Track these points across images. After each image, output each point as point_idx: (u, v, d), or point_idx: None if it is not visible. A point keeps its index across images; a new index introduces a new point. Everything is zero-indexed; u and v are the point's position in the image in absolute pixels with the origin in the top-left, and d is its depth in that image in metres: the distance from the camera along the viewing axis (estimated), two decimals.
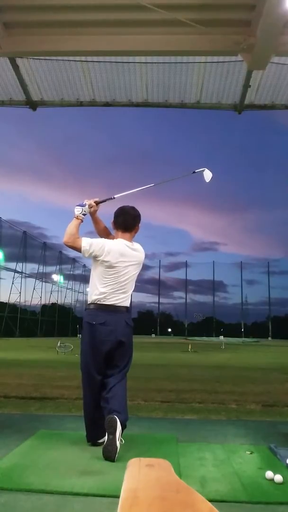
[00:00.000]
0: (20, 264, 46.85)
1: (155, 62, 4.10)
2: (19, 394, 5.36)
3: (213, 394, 5.81)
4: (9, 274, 45.65)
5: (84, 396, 3.15)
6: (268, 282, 67.48)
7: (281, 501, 2.12)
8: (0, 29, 3.36)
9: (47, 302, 55.35)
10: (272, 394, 5.92)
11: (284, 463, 2.65)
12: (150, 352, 17.87)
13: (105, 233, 3.43)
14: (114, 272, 3.11)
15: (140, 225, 3.34)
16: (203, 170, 3.49)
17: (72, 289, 61.90)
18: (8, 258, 44.37)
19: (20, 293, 46.26)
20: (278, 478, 2.36)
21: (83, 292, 61.68)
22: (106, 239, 3.26)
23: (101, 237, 3.37)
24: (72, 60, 4.11)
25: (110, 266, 3.11)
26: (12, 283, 45.96)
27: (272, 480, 2.37)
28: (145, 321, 69.72)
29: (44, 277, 53.52)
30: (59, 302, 58.14)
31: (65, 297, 60.96)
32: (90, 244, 3.11)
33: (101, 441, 2.97)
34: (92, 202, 3.28)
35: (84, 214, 3.22)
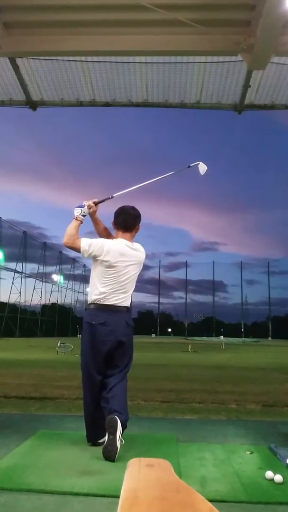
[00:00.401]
0: (20, 264, 46.88)
1: (155, 62, 4.10)
2: (19, 394, 5.36)
3: (213, 394, 5.81)
4: (9, 274, 45.70)
5: (84, 396, 3.15)
6: (268, 282, 67.56)
7: (281, 501, 2.12)
8: (0, 29, 3.36)
9: (47, 302, 55.40)
10: (272, 394, 5.92)
11: (284, 463, 2.65)
12: (150, 352, 17.87)
13: (105, 234, 3.43)
14: (114, 271, 3.11)
15: (140, 225, 3.35)
16: (198, 164, 3.50)
17: (72, 289, 61.99)
18: (8, 258, 44.40)
19: (20, 293, 46.30)
20: (278, 478, 2.36)
21: (83, 292, 61.72)
22: (105, 239, 3.26)
23: (102, 237, 3.37)
24: (72, 60, 4.11)
25: (110, 266, 3.11)
26: (12, 283, 46.00)
27: (272, 480, 2.37)
28: (145, 321, 69.73)
29: (44, 277, 53.56)
30: (59, 302, 58.19)
31: (65, 297, 61.03)
32: (89, 244, 3.12)
33: (101, 441, 2.97)
34: (90, 202, 3.29)
35: (83, 215, 3.24)
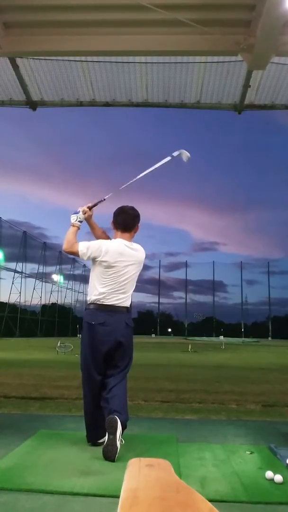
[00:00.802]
0: (20, 264, 46.88)
1: (155, 62, 4.10)
2: (19, 394, 5.36)
3: (213, 394, 5.81)
4: (9, 274, 45.70)
5: (84, 396, 3.15)
6: (268, 282, 67.57)
7: (281, 501, 2.12)
8: (0, 29, 3.36)
9: (47, 302, 55.41)
10: (272, 394, 5.92)
11: (284, 463, 2.65)
12: (150, 352, 17.87)
13: (104, 237, 3.44)
14: (113, 272, 3.10)
15: (139, 225, 3.34)
16: (180, 153, 3.50)
17: (72, 289, 62.01)
18: (8, 258, 44.41)
19: (20, 293, 46.30)
20: (278, 478, 2.36)
21: (83, 292, 61.70)
22: (103, 240, 3.26)
23: None
24: (72, 60, 4.11)
25: (109, 266, 3.10)
26: (12, 283, 46.00)
27: (272, 480, 2.37)
28: (145, 321, 69.74)
29: (44, 277, 53.57)
30: (59, 302, 58.21)
31: (65, 297, 61.04)
32: (87, 247, 3.14)
33: (101, 441, 2.97)
34: (85, 208, 3.33)
35: (80, 221, 3.29)
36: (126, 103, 4.51)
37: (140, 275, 3.29)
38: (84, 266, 60.19)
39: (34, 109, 4.58)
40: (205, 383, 7.10)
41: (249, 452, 2.93)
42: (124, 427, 2.85)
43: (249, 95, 4.27)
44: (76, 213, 3.31)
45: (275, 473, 2.40)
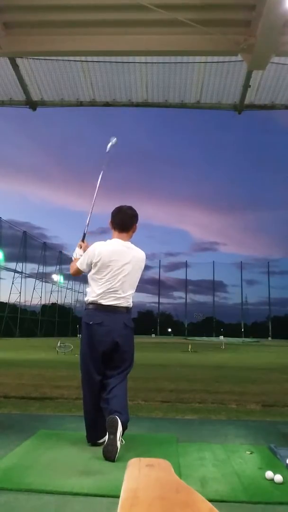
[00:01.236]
0: (20, 264, 46.91)
1: (155, 62, 4.10)
2: (19, 394, 5.36)
3: (213, 394, 5.81)
4: (9, 274, 45.73)
5: (84, 396, 3.15)
6: (268, 282, 67.62)
7: (281, 501, 2.11)
8: (0, 29, 3.36)
9: (47, 302, 55.44)
10: (272, 394, 5.92)
11: (284, 463, 2.65)
12: (150, 352, 17.87)
13: None
14: (108, 272, 3.09)
15: (137, 224, 3.33)
16: (112, 141, 3.69)
17: (72, 289, 62.03)
18: (8, 258, 44.44)
19: (20, 293, 46.32)
20: (278, 478, 2.36)
21: (83, 292, 61.65)
22: (97, 243, 3.26)
23: None
24: (72, 60, 4.11)
25: (104, 266, 3.10)
26: (12, 283, 46.02)
27: (272, 480, 2.37)
28: (145, 321, 69.75)
29: (44, 277, 53.59)
30: (59, 302, 58.24)
31: (65, 297, 61.07)
32: (81, 262, 3.24)
33: (101, 441, 2.97)
34: (79, 242, 3.45)
35: (81, 255, 3.36)
36: (126, 103, 4.51)
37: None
38: None
39: (34, 109, 4.58)
40: (205, 383, 7.10)
41: (249, 452, 2.93)
42: (124, 428, 2.85)
43: (249, 95, 4.27)
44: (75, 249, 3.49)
45: (275, 473, 2.40)
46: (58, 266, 57.52)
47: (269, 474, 2.41)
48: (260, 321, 73.52)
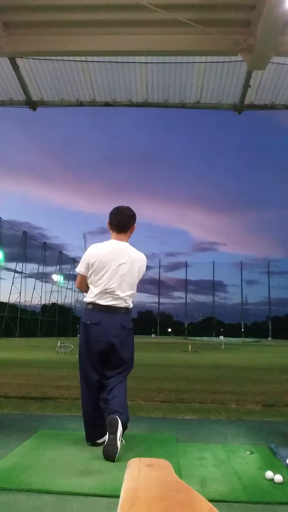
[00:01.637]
0: (20, 264, 46.94)
1: (155, 62, 4.10)
2: (19, 394, 5.36)
3: (213, 394, 5.81)
4: (9, 274, 45.76)
5: (82, 396, 3.15)
6: (268, 282, 67.67)
7: (281, 501, 2.11)
8: (0, 29, 3.36)
9: (47, 302, 55.45)
10: (272, 394, 5.92)
11: (284, 463, 2.65)
12: (150, 352, 17.87)
13: None
14: (105, 272, 3.09)
15: (135, 225, 3.33)
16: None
17: (72, 289, 61.94)
18: (8, 258, 44.48)
19: (20, 293, 46.34)
20: (278, 478, 2.36)
21: (83, 292, 61.64)
22: (92, 245, 3.27)
23: None
24: (72, 60, 4.11)
25: (100, 266, 3.10)
26: (12, 283, 46.05)
27: (272, 480, 2.37)
28: (145, 321, 69.80)
29: (44, 277, 53.60)
30: (59, 302, 58.25)
31: (65, 297, 61.07)
32: (80, 266, 3.24)
33: (100, 441, 2.98)
34: None
35: None
36: (126, 103, 4.51)
37: None
38: None
39: (34, 109, 4.58)
40: (205, 383, 7.10)
41: (249, 452, 2.93)
42: (124, 428, 2.85)
43: (249, 95, 4.27)
44: None
45: (275, 473, 2.40)
46: (58, 266, 57.60)
47: (269, 474, 2.41)
48: (260, 321, 73.58)
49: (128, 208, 3.31)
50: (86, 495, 2.14)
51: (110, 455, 2.67)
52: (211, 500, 1.18)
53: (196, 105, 4.47)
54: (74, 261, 60.09)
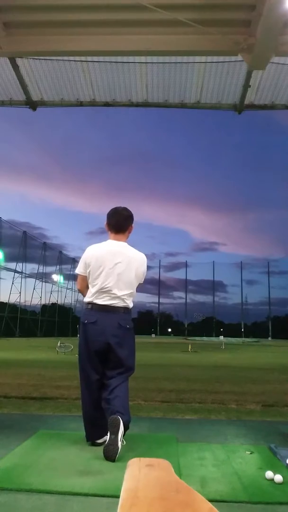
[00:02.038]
0: (20, 264, 46.99)
1: (155, 62, 4.10)
2: (19, 394, 5.36)
3: (213, 394, 5.81)
4: (9, 274, 45.81)
5: (82, 395, 3.16)
6: (268, 282, 67.71)
7: (281, 501, 2.11)
8: (0, 29, 3.36)
9: (47, 302, 55.50)
10: (272, 394, 5.92)
11: (284, 463, 2.65)
12: (150, 352, 17.88)
13: None
14: (101, 271, 3.10)
15: (133, 225, 3.34)
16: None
17: (72, 289, 62.00)
18: (8, 258, 44.52)
19: (20, 293, 46.37)
20: (278, 478, 2.36)
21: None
22: (90, 246, 3.29)
23: None
24: (72, 60, 4.11)
25: (97, 266, 3.12)
26: (12, 283, 46.10)
27: (272, 480, 2.37)
28: (145, 321, 69.83)
29: (44, 277, 53.63)
30: (59, 302, 58.30)
31: (65, 297, 61.12)
32: (79, 267, 3.26)
33: (100, 441, 2.98)
34: None
35: None
36: (126, 103, 4.51)
37: None
38: None
39: (34, 109, 4.58)
40: (205, 383, 7.10)
41: (249, 452, 2.93)
42: (126, 428, 2.85)
43: (249, 95, 4.27)
44: None
45: (275, 473, 2.40)
46: (58, 266, 57.63)
47: (269, 474, 2.41)
48: (260, 321, 73.63)
49: (125, 209, 3.33)
50: (86, 495, 2.14)
51: (110, 455, 2.67)
52: (211, 500, 1.18)
53: (196, 105, 4.47)
54: (74, 261, 60.12)
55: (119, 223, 3.27)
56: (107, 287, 3.07)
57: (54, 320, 54.31)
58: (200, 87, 4.29)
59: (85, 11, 3.20)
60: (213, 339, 51.08)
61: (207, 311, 70.61)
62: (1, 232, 42.18)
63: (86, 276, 3.22)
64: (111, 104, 4.51)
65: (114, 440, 2.70)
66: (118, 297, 3.08)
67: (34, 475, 2.38)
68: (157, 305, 73.59)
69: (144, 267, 3.26)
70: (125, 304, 3.12)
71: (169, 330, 74.64)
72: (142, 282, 3.27)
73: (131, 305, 3.17)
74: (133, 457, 1.61)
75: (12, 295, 45.58)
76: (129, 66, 4.13)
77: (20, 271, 46.82)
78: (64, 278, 59.73)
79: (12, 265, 45.59)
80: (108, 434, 2.76)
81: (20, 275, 47.16)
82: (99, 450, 2.78)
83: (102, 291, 3.08)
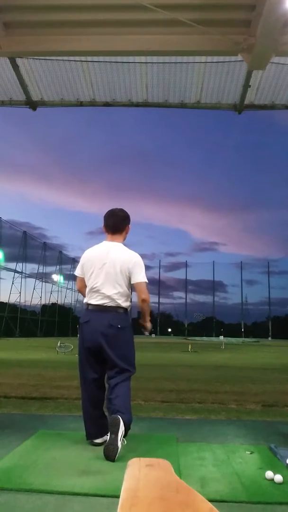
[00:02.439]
0: (20, 264, 46.97)
1: (155, 62, 4.10)
2: (19, 394, 5.36)
3: (213, 394, 5.81)
4: (9, 274, 45.79)
5: (82, 394, 3.20)
6: (268, 282, 67.68)
7: (281, 501, 2.12)
8: (0, 29, 3.36)
9: (47, 302, 55.49)
10: (272, 394, 5.92)
11: (284, 463, 2.65)
12: (150, 352, 17.87)
13: None
14: (92, 271, 3.17)
15: (130, 226, 3.38)
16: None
17: (72, 289, 61.98)
18: (8, 258, 44.50)
19: (20, 293, 46.35)
20: (278, 478, 2.36)
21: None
22: (85, 251, 3.36)
23: None
24: (72, 60, 4.11)
25: (89, 266, 3.20)
26: (12, 283, 46.08)
27: (272, 480, 2.37)
28: None
29: (44, 277, 53.63)
30: (59, 302, 58.28)
31: (65, 297, 61.11)
32: (77, 268, 3.37)
33: (100, 440, 2.99)
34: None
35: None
36: (126, 103, 4.51)
37: None
38: None
39: (34, 109, 4.58)
40: (205, 383, 7.10)
41: (249, 452, 2.93)
42: (127, 428, 2.85)
43: (249, 95, 4.27)
44: None
45: (275, 473, 2.40)
46: (58, 266, 57.61)
47: (269, 474, 2.41)
48: (260, 321, 73.59)
49: (121, 210, 3.37)
50: (86, 495, 2.14)
51: (110, 454, 2.68)
52: (211, 500, 1.18)
53: (196, 105, 4.47)
54: (74, 261, 60.12)
55: (116, 224, 3.31)
56: (96, 287, 3.13)
57: (54, 320, 54.30)
58: (200, 87, 4.28)
59: (85, 11, 3.19)
60: (213, 339, 51.08)
61: (207, 311, 70.67)
62: (1, 232, 42.19)
63: (83, 278, 3.28)
64: (111, 104, 4.51)
65: (114, 440, 2.70)
66: (108, 297, 3.10)
67: (34, 475, 2.38)
68: (157, 305, 73.57)
69: (130, 264, 3.14)
70: (115, 304, 3.10)
71: (169, 330, 74.61)
72: (140, 281, 3.14)
73: (124, 304, 3.12)
74: (133, 457, 1.61)
75: (12, 295, 45.61)
76: (129, 66, 4.13)
77: (20, 271, 46.84)
78: (64, 278, 59.75)
79: (12, 265, 45.61)
80: (109, 433, 2.77)
81: (20, 275, 47.18)
82: (99, 450, 2.78)
83: (93, 291, 3.15)
